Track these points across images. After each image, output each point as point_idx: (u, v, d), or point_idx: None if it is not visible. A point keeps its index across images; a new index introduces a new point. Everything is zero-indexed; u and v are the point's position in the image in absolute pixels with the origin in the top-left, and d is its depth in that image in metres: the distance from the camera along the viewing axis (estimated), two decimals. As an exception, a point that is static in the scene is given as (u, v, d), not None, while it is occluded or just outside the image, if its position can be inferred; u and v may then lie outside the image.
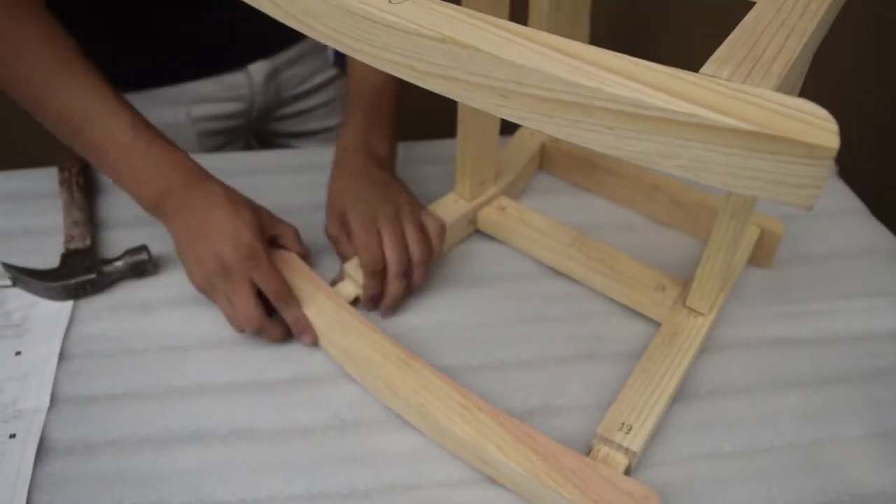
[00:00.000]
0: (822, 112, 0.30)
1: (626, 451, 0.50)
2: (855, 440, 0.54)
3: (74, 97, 0.57)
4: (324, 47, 0.89)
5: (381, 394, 0.55)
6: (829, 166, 0.29)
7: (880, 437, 0.54)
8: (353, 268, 0.61)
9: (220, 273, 0.56)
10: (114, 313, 0.62)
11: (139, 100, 0.85)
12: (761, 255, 0.67)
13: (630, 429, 0.50)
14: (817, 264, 0.68)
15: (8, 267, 0.62)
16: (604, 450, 0.50)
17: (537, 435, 0.50)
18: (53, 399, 0.55)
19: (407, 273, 0.60)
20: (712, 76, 0.32)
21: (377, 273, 0.59)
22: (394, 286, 0.59)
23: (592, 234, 0.66)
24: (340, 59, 0.91)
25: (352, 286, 0.61)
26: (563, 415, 0.55)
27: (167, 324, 0.61)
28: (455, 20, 0.32)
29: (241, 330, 0.58)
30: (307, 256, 0.63)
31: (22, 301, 0.62)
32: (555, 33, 0.32)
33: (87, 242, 0.65)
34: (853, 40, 1.20)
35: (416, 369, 0.54)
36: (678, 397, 0.56)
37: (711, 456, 0.52)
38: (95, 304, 0.62)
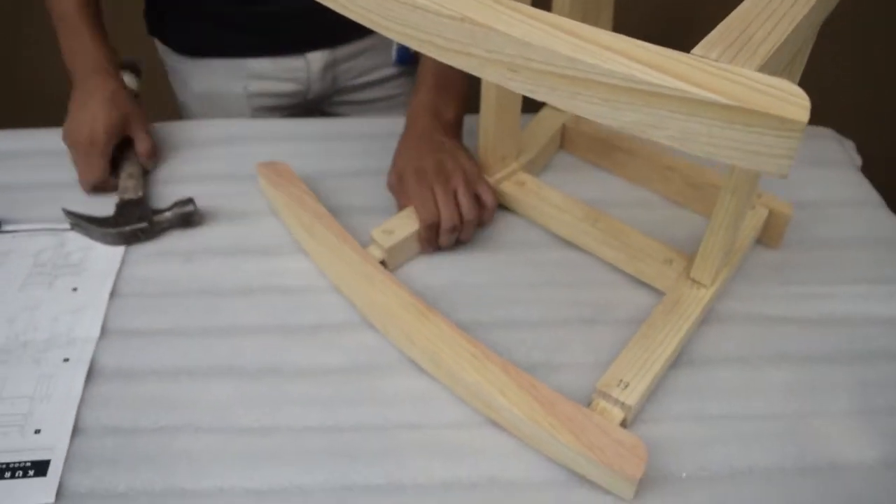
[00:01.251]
0: (797, 90, 0.33)
1: (623, 405, 0.53)
2: (839, 415, 0.56)
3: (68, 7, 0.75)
4: (388, 45, 0.90)
5: (400, 342, 0.60)
6: (798, 138, 0.32)
7: (865, 414, 0.56)
8: (379, 233, 0.66)
9: (72, 144, 0.72)
10: (161, 259, 0.68)
11: (199, 67, 0.91)
12: (770, 235, 0.69)
13: (627, 385, 0.54)
14: (825, 250, 0.70)
15: (69, 213, 0.69)
16: (602, 403, 0.54)
17: (539, 385, 0.54)
18: (103, 330, 0.61)
19: (456, 229, 0.66)
20: (702, 56, 0.35)
21: (433, 226, 0.66)
22: (444, 239, 0.66)
23: (609, 210, 0.70)
24: (403, 59, 0.92)
25: (377, 251, 0.66)
26: (563, 371, 0.59)
27: (207, 271, 0.66)
28: (472, 1, 0.36)
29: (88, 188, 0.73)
30: (151, 155, 0.75)
31: (80, 244, 0.69)
32: (578, 17, 0.35)
33: (140, 194, 0.71)
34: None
35: (432, 321, 0.58)
36: (674, 363, 0.59)
37: (698, 418, 0.56)
38: (145, 250, 0.68)
